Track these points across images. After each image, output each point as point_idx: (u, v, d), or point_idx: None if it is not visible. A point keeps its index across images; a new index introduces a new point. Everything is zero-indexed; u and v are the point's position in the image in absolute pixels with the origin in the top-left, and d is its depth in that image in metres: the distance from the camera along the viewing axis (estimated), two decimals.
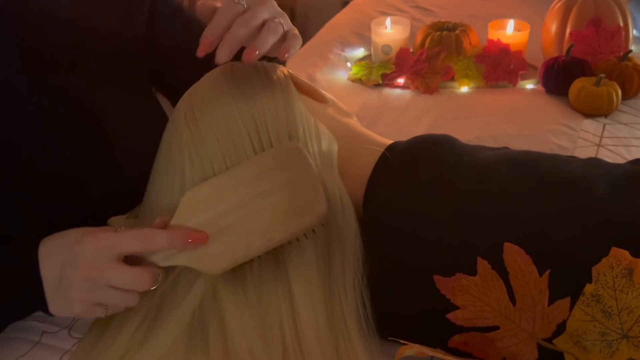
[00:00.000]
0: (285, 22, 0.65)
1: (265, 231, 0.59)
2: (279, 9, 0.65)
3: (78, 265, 0.58)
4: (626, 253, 0.55)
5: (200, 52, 0.61)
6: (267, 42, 0.62)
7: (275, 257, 0.63)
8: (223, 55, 0.60)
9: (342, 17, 1.72)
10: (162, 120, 0.69)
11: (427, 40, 1.33)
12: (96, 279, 0.58)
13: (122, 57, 0.81)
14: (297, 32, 0.66)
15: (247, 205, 0.59)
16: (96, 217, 0.77)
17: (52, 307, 0.61)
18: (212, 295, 0.63)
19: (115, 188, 0.77)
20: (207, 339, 0.62)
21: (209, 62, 0.64)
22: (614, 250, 0.55)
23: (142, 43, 0.84)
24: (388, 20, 1.37)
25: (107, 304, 0.60)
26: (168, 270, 0.63)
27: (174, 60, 0.88)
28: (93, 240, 0.58)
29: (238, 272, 0.63)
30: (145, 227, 0.61)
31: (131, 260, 0.60)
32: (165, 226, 0.60)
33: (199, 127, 0.65)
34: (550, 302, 0.57)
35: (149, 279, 0.58)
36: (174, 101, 0.77)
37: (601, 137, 1.08)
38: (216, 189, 0.61)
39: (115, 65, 0.80)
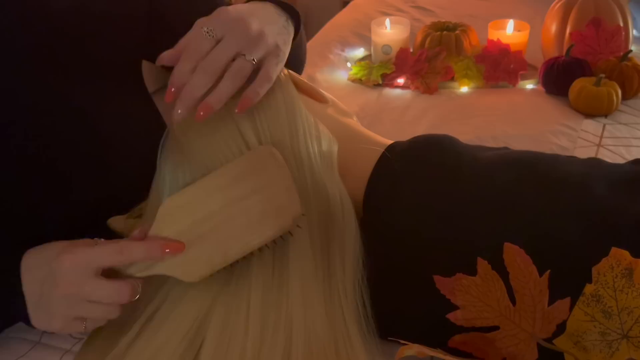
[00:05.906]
0: (257, 53, 0.61)
1: (241, 236, 0.60)
2: (253, 34, 0.61)
3: (57, 282, 0.58)
4: (626, 253, 0.55)
5: (168, 99, 0.60)
6: (225, 93, 0.59)
7: (274, 257, 0.63)
8: (179, 116, 0.59)
9: (342, 17, 1.72)
10: (159, 121, 0.68)
11: (427, 40, 1.33)
12: (75, 294, 0.58)
13: (119, 55, 0.80)
14: (269, 68, 0.62)
15: (222, 211, 0.60)
16: (96, 218, 0.76)
17: (34, 320, 0.61)
18: (212, 300, 0.63)
19: (110, 190, 0.77)
20: (204, 341, 0.62)
21: None
22: (614, 250, 0.55)
23: (142, 25, 0.82)
24: (388, 20, 1.37)
25: (87, 318, 0.60)
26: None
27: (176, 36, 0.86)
28: (70, 256, 0.58)
29: (237, 272, 0.63)
30: (122, 240, 0.61)
31: (109, 272, 0.59)
32: (144, 236, 0.60)
33: (196, 126, 0.65)
34: (550, 302, 0.57)
35: (127, 291, 0.58)
36: None
37: (601, 137, 1.08)
38: (192, 197, 0.61)
39: (111, 66, 0.79)
